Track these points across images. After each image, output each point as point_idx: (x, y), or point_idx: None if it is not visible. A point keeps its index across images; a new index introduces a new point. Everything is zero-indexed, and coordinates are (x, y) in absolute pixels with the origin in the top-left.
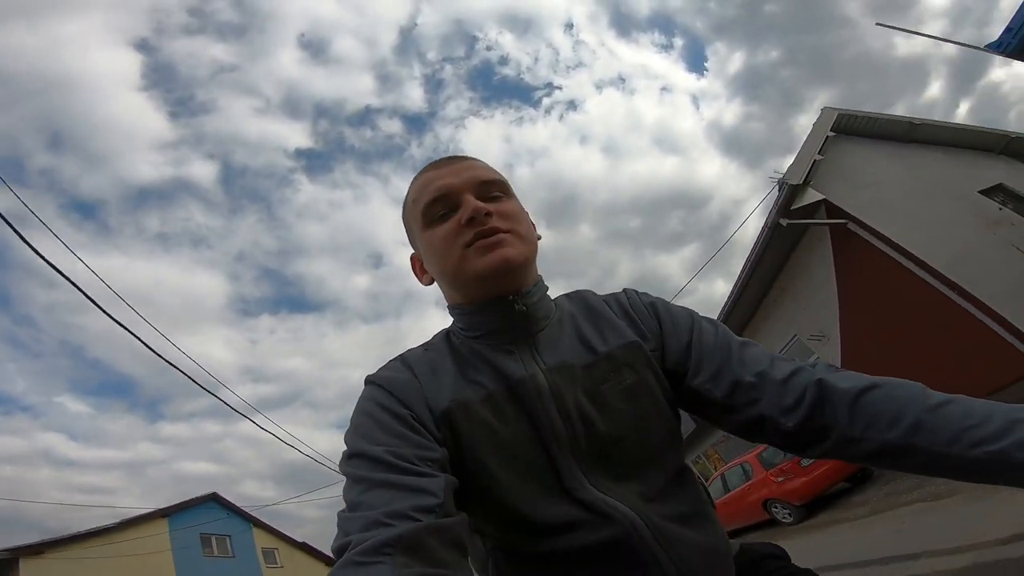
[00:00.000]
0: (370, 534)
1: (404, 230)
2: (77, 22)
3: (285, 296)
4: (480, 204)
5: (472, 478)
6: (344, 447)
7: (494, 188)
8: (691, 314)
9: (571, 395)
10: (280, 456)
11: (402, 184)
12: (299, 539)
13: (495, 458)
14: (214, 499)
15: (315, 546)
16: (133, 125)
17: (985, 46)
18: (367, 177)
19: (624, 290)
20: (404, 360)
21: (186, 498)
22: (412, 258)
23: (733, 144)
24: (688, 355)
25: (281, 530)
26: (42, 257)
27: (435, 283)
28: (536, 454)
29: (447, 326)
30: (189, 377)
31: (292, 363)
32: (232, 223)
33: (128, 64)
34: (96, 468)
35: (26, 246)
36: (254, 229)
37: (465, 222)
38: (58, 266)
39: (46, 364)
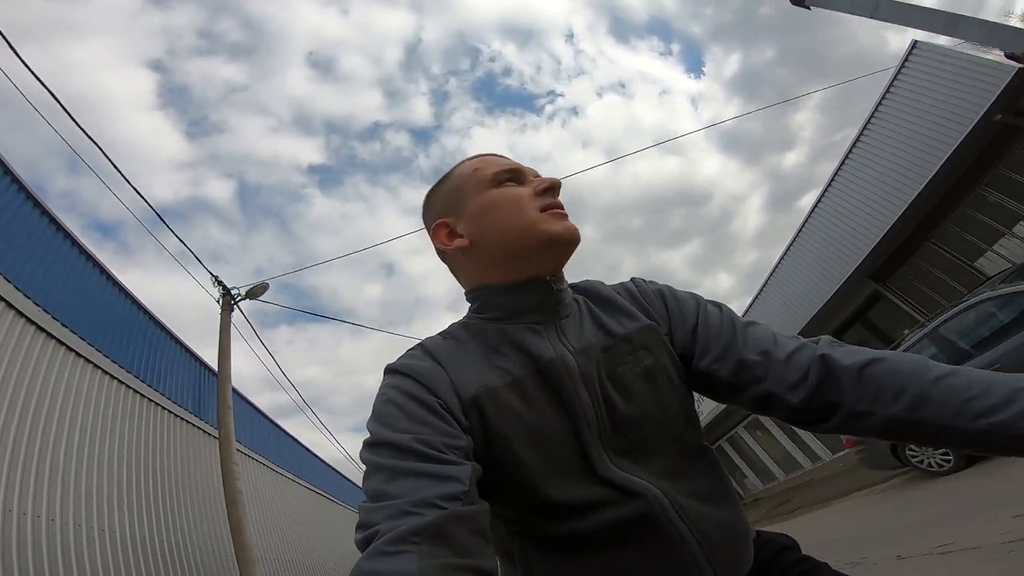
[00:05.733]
0: (397, 523)
1: (431, 206)
2: (87, 45)
3: (301, 307)
4: (558, 179)
5: (499, 464)
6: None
7: None
8: (697, 299)
9: (596, 377)
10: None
11: (411, 194)
12: None
13: (522, 443)
14: None
15: None
16: (150, 145)
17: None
18: (377, 189)
19: (632, 279)
20: (425, 348)
21: None
22: (439, 224)
23: (732, 143)
24: (695, 338)
25: None
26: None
27: (462, 251)
28: (564, 437)
29: (460, 318)
30: None
31: (309, 371)
32: (248, 239)
33: (142, 84)
34: None
35: None
36: (269, 244)
37: (542, 190)
38: None
39: None
